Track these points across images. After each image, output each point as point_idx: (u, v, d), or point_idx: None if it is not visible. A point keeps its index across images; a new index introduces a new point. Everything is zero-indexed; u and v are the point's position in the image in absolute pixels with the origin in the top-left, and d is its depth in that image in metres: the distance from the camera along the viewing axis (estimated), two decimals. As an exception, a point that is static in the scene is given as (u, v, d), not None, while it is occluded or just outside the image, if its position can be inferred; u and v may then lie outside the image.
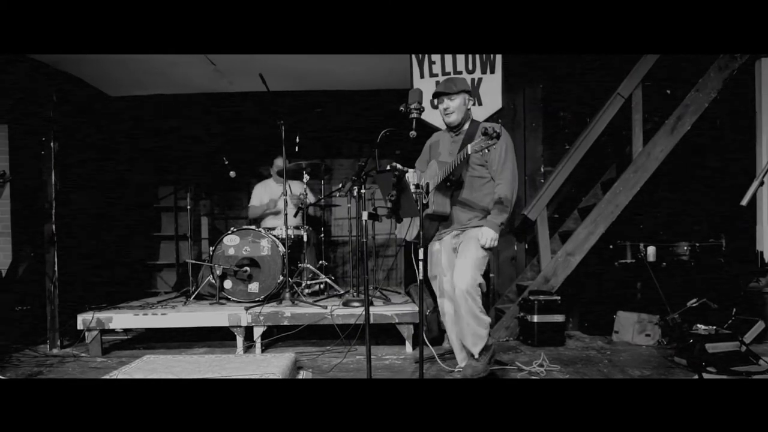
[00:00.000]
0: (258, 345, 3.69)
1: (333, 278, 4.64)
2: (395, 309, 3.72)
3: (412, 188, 2.47)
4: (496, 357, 3.08)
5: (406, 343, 3.72)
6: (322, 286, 4.59)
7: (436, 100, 2.80)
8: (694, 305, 3.83)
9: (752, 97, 4.39)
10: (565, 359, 3.46)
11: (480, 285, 2.69)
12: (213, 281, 4.09)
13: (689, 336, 3.21)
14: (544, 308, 3.92)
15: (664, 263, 4.17)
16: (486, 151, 2.31)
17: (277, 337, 3.79)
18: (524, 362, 3.30)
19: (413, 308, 3.72)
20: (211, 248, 4.20)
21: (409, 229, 2.82)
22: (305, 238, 4.44)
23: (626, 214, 4.24)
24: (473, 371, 2.74)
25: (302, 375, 3.06)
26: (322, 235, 5.05)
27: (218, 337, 3.99)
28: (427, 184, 2.76)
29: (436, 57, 4.02)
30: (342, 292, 4.31)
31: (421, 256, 2.49)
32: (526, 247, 4.85)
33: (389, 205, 2.55)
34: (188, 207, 4.78)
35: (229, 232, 4.16)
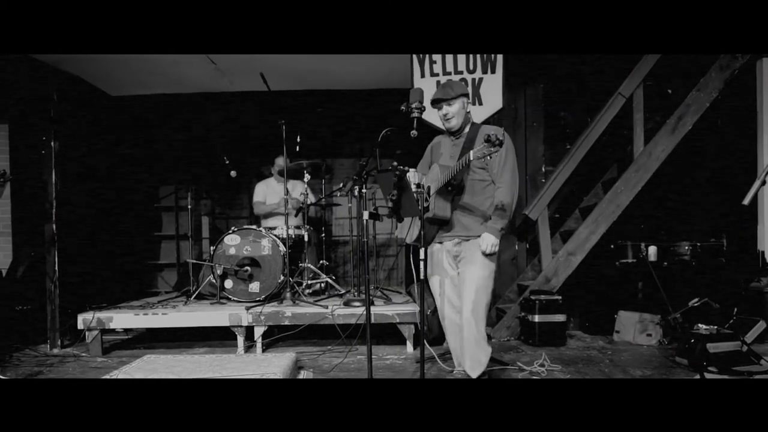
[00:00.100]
0: (259, 345, 3.69)
1: (334, 278, 4.64)
2: (396, 309, 3.72)
3: (413, 188, 2.47)
4: (497, 357, 3.07)
5: (407, 343, 3.72)
6: (322, 285, 4.59)
7: (434, 107, 2.79)
8: (695, 305, 3.83)
9: (753, 97, 4.38)
10: (566, 359, 3.46)
11: (487, 303, 2.68)
12: (214, 281, 4.08)
13: (690, 336, 3.20)
14: (545, 308, 3.91)
15: (666, 263, 4.16)
16: (489, 157, 2.31)
17: (277, 336, 3.79)
18: (525, 362, 3.30)
19: (414, 308, 3.72)
20: (211, 248, 4.20)
21: (409, 230, 2.81)
22: (306, 238, 4.44)
23: (627, 213, 4.23)
24: None
25: (303, 375, 3.06)
26: (323, 234, 5.05)
27: (219, 337, 3.98)
28: (429, 188, 2.75)
29: (436, 56, 4.02)
30: (343, 291, 4.31)
31: (422, 255, 2.48)
32: (527, 246, 4.85)
33: (390, 204, 2.54)
34: (189, 206, 4.78)
35: (230, 231, 4.16)
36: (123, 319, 3.70)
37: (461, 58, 4.02)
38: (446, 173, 2.62)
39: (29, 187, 4.31)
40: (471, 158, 2.39)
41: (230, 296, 4.08)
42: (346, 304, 3.80)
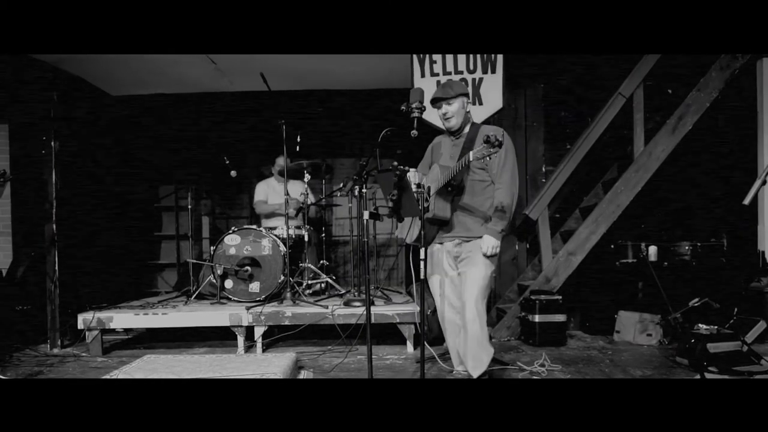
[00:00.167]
0: (259, 345, 3.69)
1: (334, 278, 4.64)
2: (396, 309, 3.72)
3: (414, 188, 2.47)
4: (498, 357, 3.07)
5: (407, 343, 3.72)
6: (323, 285, 4.59)
7: (434, 106, 2.79)
8: (695, 305, 3.83)
9: (754, 97, 4.38)
10: (567, 359, 3.46)
11: (486, 295, 2.70)
12: (214, 281, 4.08)
13: (691, 336, 3.20)
14: (546, 308, 3.91)
15: (666, 263, 4.16)
16: (488, 158, 2.31)
17: (278, 336, 3.79)
18: (526, 362, 3.30)
19: (414, 308, 3.72)
20: (212, 248, 4.20)
21: (409, 230, 2.81)
22: (306, 238, 4.44)
23: (628, 213, 4.23)
24: None
25: (303, 375, 3.06)
26: (323, 234, 5.05)
27: (219, 337, 3.98)
28: (429, 188, 2.75)
29: (437, 56, 4.02)
30: (343, 291, 4.31)
31: (422, 255, 2.48)
32: (528, 246, 4.84)
33: (390, 204, 2.54)
34: (189, 206, 4.78)
35: (230, 231, 4.16)
36: (123, 319, 3.70)
37: (461, 58, 4.02)
38: (446, 174, 2.62)
39: (29, 187, 4.31)
40: (470, 159, 2.39)
41: (230, 296, 4.08)
42: (347, 304, 3.80)
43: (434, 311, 3.59)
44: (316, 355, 3.63)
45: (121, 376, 2.55)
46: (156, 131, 5.72)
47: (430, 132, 3.11)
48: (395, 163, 2.60)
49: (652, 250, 4.18)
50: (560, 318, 3.93)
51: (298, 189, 4.62)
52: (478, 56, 4.00)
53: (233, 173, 4.38)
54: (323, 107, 5.68)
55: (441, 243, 2.82)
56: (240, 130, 5.86)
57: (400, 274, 6.10)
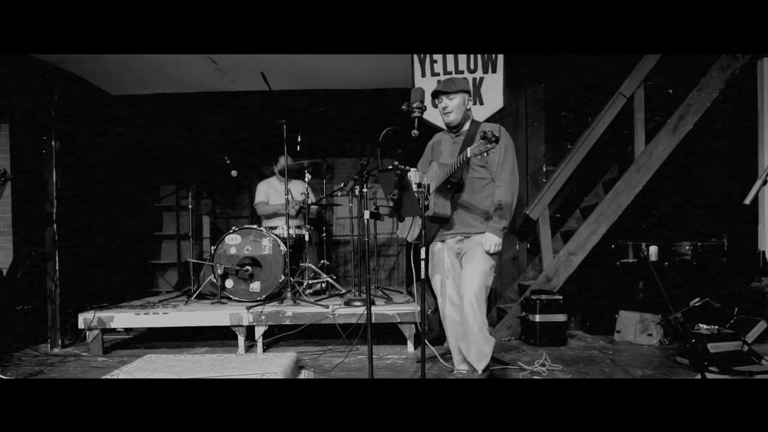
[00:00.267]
0: (259, 344, 3.69)
1: (334, 278, 4.64)
2: (397, 308, 3.72)
3: (414, 187, 2.47)
4: (498, 357, 3.07)
5: (408, 342, 3.71)
6: (323, 285, 4.59)
7: (435, 100, 2.79)
8: (696, 305, 3.83)
9: (754, 97, 4.37)
10: (567, 359, 3.46)
11: (486, 296, 2.70)
12: (214, 280, 4.08)
13: (691, 335, 3.20)
14: (546, 308, 3.91)
15: (666, 263, 4.16)
16: (485, 154, 2.31)
17: (278, 336, 3.79)
18: (526, 362, 3.30)
19: (415, 308, 3.72)
20: (212, 247, 4.20)
21: (410, 230, 2.81)
22: (307, 238, 4.44)
23: (628, 213, 4.23)
24: None
25: (304, 375, 3.06)
26: (324, 234, 5.05)
27: (219, 337, 3.99)
28: (428, 186, 2.76)
29: (437, 56, 4.02)
30: (343, 291, 4.31)
31: (422, 255, 2.48)
32: (528, 246, 4.84)
33: (391, 204, 2.54)
34: (190, 206, 4.78)
35: (231, 231, 4.16)
36: (124, 319, 3.70)
37: (462, 57, 4.01)
38: (445, 170, 2.62)
39: (29, 187, 4.32)
40: (468, 155, 2.39)
41: (231, 296, 4.08)
42: (347, 303, 3.80)
43: (435, 310, 3.60)
44: (317, 354, 3.63)
45: (121, 376, 2.55)
46: (156, 131, 5.72)
47: (430, 132, 3.11)
48: (396, 163, 2.60)
49: (653, 249, 4.18)
50: (561, 318, 3.93)
51: (299, 189, 4.62)
52: (479, 56, 4.00)
53: (234, 173, 4.38)
54: (324, 107, 5.68)
55: (443, 241, 2.83)
56: (241, 130, 5.86)
57: (401, 274, 6.10)
